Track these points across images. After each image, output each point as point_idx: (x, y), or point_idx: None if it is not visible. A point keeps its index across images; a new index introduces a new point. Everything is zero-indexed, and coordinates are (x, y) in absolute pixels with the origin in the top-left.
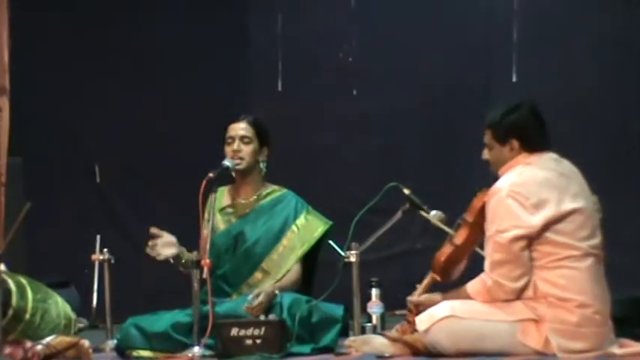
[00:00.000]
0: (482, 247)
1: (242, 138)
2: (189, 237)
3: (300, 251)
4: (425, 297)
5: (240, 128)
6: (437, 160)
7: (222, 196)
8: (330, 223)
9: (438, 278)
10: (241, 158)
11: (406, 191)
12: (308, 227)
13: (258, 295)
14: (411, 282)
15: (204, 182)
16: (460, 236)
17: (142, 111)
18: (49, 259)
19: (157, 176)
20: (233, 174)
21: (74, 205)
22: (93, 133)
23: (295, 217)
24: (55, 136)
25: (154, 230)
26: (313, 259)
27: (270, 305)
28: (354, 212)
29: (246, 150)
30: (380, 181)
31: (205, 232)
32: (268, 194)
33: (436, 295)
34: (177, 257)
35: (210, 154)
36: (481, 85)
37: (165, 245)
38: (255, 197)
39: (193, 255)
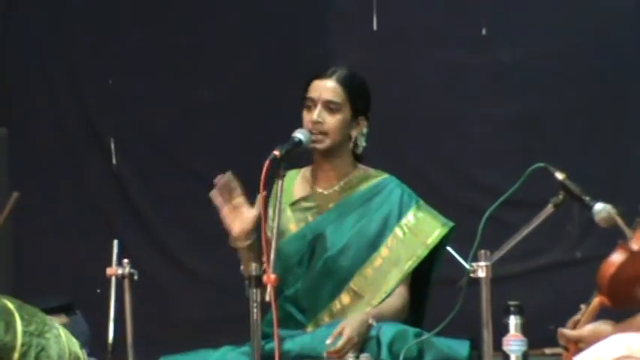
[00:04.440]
0: None
1: (327, 104)
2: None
3: (406, 266)
4: (588, 329)
5: (326, 88)
6: (601, 133)
7: (293, 184)
8: (451, 224)
9: (607, 302)
10: (323, 133)
11: (559, 175)
12: (419, 230)
13: (345, 331)
14: (567, 306)
15: (266, 163)
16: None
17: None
18: (45, 273)
19: (197, 161)
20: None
21: (80, 197)
22: (108, 100)
23: (400, 215)
24: (56, 101)
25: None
26: (426, 278)
27: (362, 339)
28: (481, 205)
29: (332, 122)
30: (518, 162)
31: (269, 234)
32: (361, 181)
33: (604, 326)
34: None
35: (280, 126)
36: None
37: (238, 220)
38: (341, 185)
39: (252, 268)
